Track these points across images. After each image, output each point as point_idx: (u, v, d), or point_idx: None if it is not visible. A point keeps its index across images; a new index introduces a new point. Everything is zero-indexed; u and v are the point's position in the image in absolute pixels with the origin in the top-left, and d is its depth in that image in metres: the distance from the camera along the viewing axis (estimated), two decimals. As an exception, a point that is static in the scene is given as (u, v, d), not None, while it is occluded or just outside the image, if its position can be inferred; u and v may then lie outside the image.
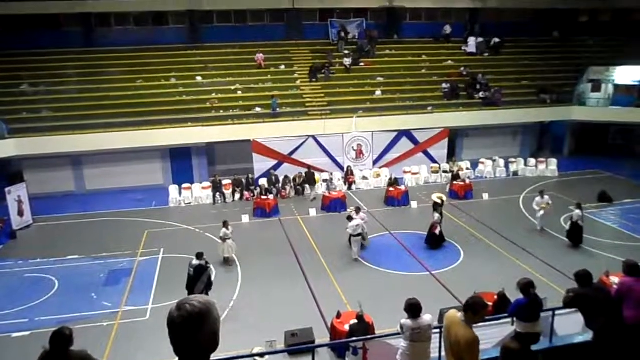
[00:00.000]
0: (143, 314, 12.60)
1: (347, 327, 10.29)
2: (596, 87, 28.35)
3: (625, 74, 27.72)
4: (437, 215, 16.76)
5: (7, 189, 18.38)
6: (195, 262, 12.49)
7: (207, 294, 12.30)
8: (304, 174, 23.02)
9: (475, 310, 4.54)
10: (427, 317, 6.23)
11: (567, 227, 16.72)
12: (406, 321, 6.17)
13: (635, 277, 6.11)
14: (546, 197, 17.92)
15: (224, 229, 15.47)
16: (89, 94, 24.00)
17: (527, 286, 6.22)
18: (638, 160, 26.35)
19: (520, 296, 6.34)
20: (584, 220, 16.41)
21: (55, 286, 14.21)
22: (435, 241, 16.62)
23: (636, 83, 27.48)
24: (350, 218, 15.94)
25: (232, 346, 8.94)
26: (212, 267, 12.99)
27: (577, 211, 16.25)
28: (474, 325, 4.63)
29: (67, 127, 21.88)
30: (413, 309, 6.14)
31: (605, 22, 33.24)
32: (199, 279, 12.36)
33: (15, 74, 24.20)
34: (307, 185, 22.81)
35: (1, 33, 25.35)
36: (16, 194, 18.75)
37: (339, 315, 11.00)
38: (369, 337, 9.01)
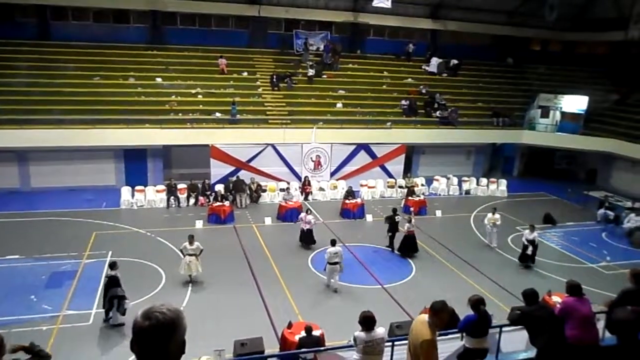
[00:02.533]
0: (86, 318, 12.08)
1: (297, 338, 10.23)
2: (545, 113, 29.77)
3: (572, 102, 29.28)
4: (407, 225, 17.15)
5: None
6: (110, 272, 11.99)
7: (119, 304, 11.77)
8: (233, 180, 22.59)
9: (435, 310, 4.71)
10: (380, 330, 6.29)
11: (529, 251, 16.65)
12: (360, 333, 6.20)
13: (577, 297, 6.38)
14: (497, 215, 18.57)
15: (185, 243, 14.24)
16: (40, 88, 23.05)
17: (477, 303, 6.39)
18: (580, 184, 27.73)
19: (470, 312, 6.50)
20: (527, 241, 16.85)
21: (-9, 287, 13.45)
22: (412, 247, 17.10)
23: (581, 111, 29.04)
24: (333, 242, 14.77)
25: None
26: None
27: (535, 233, 16.75)
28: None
29: (14, 121, 20.93)
30: (367, 321, 6.19)
31: (555, 51, 35.08)
32: (108, 289, 11.81)
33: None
34: (237, 194, 22.24)
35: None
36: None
37: (289, 326, 10.91)
38: (320, 348, 8.99)
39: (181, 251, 14.56)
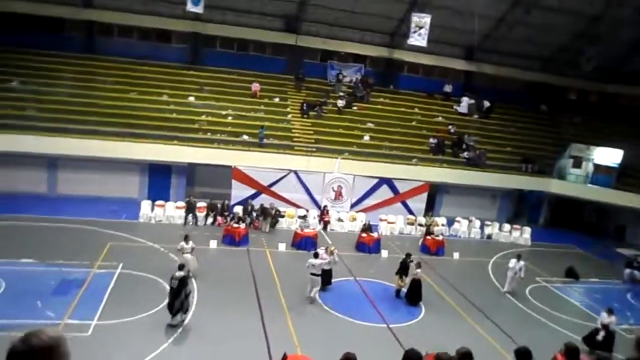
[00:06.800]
0: (86, 329, 12.08)
1: (291, 371, 9.99)
2: (577, 164, 28.98)
3: (606, 155, 28.44)
4: (418, 271, 16.42)
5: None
6: (178, 273, 12.71)
7: (187, 306, 12.78)
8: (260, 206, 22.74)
9: None
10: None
11: (600, 336, 13.95)
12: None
13: (573, 361, 6.03)
14: (522, 262, 17.95)
15: (182, 242, 15.76)
16: (78, 99, 23.89)
17: (463, 357, 6.10)
18: (609, 240, 26.64)
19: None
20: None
21: (1, 289, 13.66)
22: (417, 295, 16.26)
23: (615, 165, 28.13)
24: (316, 254, 15.70)
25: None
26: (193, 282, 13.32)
27: (612, 317, 14.18)
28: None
29: (50, 129, 21.69)
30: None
31: (592, 102, 34.35)
32: (181, 291, 12.55)
33: (8, 69, 24.00)
34: (261, 219, 22.46)
35: (2, 30, 25.26)
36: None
37: (284, 357, 10.67)
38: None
39: (179, 251, 15.81)
